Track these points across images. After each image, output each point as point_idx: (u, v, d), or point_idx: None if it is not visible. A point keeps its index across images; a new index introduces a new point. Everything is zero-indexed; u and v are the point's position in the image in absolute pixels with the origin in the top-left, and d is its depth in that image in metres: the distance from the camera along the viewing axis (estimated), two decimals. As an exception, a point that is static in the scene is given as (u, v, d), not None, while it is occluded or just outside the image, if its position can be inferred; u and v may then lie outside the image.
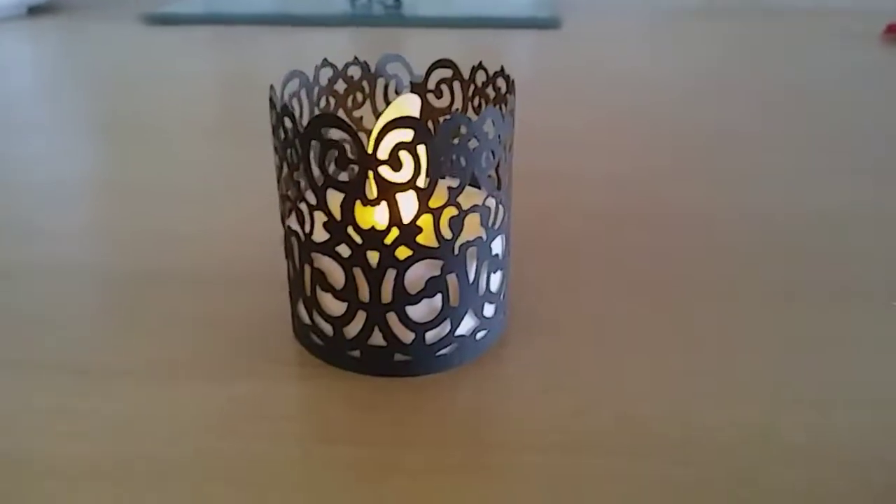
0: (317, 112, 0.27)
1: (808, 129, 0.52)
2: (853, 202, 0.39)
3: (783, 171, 0.44)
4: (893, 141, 0.50)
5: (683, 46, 0.81)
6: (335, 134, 0.21)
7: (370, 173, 0.21)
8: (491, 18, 0.87)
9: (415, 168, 0.21)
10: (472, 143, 0.22)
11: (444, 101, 0.29)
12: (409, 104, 0.24)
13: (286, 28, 0.86)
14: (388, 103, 0.29)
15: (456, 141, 0.22)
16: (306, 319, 0.25)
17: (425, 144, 0.21)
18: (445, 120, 0.21)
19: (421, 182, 0.22)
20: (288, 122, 0.22)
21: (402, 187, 0.21)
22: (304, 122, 0.27)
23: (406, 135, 0.21)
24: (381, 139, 0.21)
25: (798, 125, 0.53)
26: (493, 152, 0.23)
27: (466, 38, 0.82)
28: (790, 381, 0.25)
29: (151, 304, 0.29)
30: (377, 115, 0.28)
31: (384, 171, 0.21)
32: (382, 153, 0.21)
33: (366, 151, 0.21)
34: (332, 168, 0.22)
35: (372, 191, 0.22)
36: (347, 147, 0.21)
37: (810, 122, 0.54)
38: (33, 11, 0.95)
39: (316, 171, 0.22)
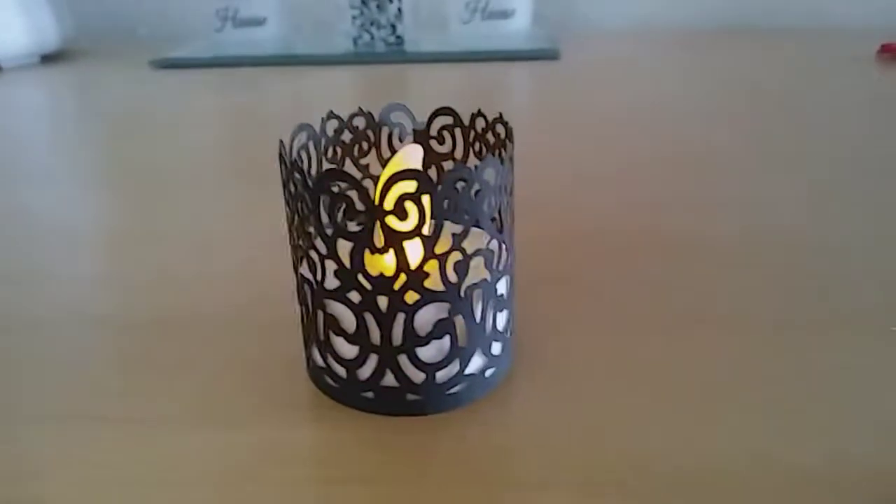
0: (325, 162, 0.28)
1: (807, 153, 0.53)
2: (855, 226, 0.40)
3: (785, 197, 0.45)
4: (893, 164, 0.51)
5: (679, 72, 0.82)
6: (343, 187, 0.23)
7: (377, 223, 0.22)
8: (490, 52, 0.89)
9: (419, 217, 0.22)
10: (474, 190, 0.23)
11: (446, 147, 0.30)
12: (412, 154, 0.25)
13: (292, 68, 0.88)
14: (392, 150, 0.30)
15: (458, 189, 0.23)
16: (320, 363, 0.26)
17: (429, 194, 0.22)
18: (448, 171, 0.22)
19: (426, 230, 0.23)
20: (298, 177, 0.23)
21: (409, 235, 0.22)
22: (314, 172, 0.28)
23: (410, 186, 0.22)
24: (387, 191, 0.22)
25: (797, 149, 0.54)
26: (494, 198, 0.24)
27: (467, 71, 0.84)
28: (799, 409, 0.25)
29: (166, 350, 0.30)
30: (382, 163, 0.29)
31: (391, 220, 0.22)
32: (388, 204, 0.22)
33: (372, 203, 0.22)
34: (340, 218, 0.23)
35: (380, 239, 0.23)
36: (355, 199, 0.22)
37: (809, 145, 0.55)
38: (46, 60, 0.98)
39: (326, 222, 0.23)
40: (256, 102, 0.75)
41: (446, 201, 0.23)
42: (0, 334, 0.32)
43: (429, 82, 0.81)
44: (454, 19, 0.98)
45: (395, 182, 0.22)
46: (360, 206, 0.22)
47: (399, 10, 0.91)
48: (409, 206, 0.22)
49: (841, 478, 0.22)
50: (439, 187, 0.22)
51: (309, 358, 0.27)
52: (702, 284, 0.34)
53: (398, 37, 0.92)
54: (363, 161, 0.30)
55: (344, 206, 0.22)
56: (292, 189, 0.24)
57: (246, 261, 0.38)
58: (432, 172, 0.30)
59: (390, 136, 0.30)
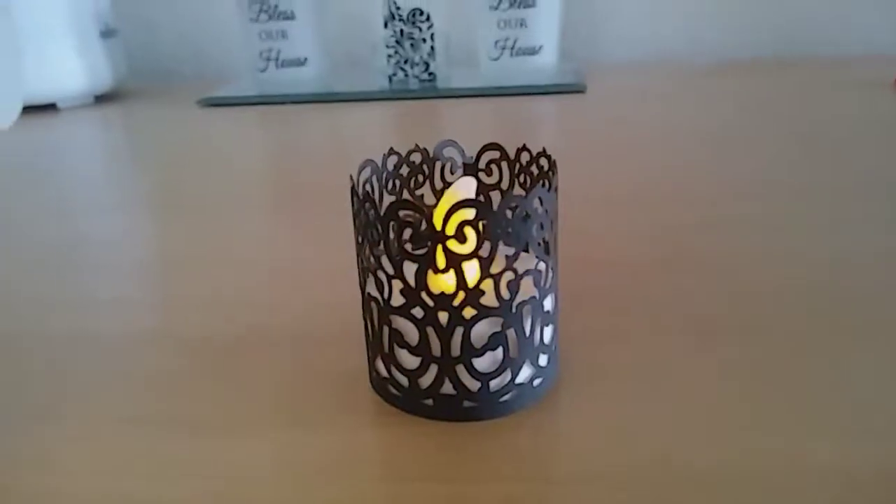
0: (385, 193, 0.32)
1: (831, 180, 0.55)
2: (867, 243, 0.42)
3: (803, 219, 0.47)
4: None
5: (704, 103, 0.85)
6: (409, 214, 0.26)
7: (439, 246, 0.25)
8: (519, 87, 0.92)
9: (477, 241, 0.25)
10: (524, 216, 0.26)
11: (493, 179, 0.33)
12: (467, 185, 0.29)
13: (331, 105, 0.92)
14: (444, 182, 0.33)
15: (510, 216, 0.26)
16: (384, 373, 0.29)
17: (485, 220, 0.25)
18: (502, 199, 0.26)
19: (483, 252, 0.26)
20: (369, 207, 0.26)
21: (467, 257, 0.25)
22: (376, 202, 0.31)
23: (469, 213, 0.25)
24: (449, 218, 0.25)
25: (821, 176, 0.56)
26: (541, 224, 0.27)
27: (497, 106, 0.88)
28: (829, 411, 0.28)
29: (240, 364, 0.33)
30: (436, 193, 0.33)
31: (452, 244, 0.25)
32: (450, 229, 0.25)
33: (435, 229, 0.25)
34: (406, 243, 0.26)
35: (441, 261, 0.26)
36: (420, 225, 0.26)
37: (828, 172, 0.57)
38: (100, 100, 1.04)
39: (393, 246, 0.26)
40: (299, 137, 0.79)
41: (501, 226, 0.26)
42: (86, 349, 0.35)
43: (461, 117, 0.85)
44: (484, 56, 1.02)
45: (456, 210, 0.25)
46: (424, 231, 0.25)
47: (432, 48, 0.95)
48: (468, 231, 0.25)
49: (874, 479, 0.24)
50: (495, 214, 0.25)
51: (372, 369, 0.30)
52: (733, 297, 0.37)
53: (431, 74, 0.97)
54: (418, 192, 0.33)
55: (410, 232, 0.26)
56: (363, 218, 0.27)
57: (302, 282, 0.42)
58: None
59: (442, 169, 0.33)
